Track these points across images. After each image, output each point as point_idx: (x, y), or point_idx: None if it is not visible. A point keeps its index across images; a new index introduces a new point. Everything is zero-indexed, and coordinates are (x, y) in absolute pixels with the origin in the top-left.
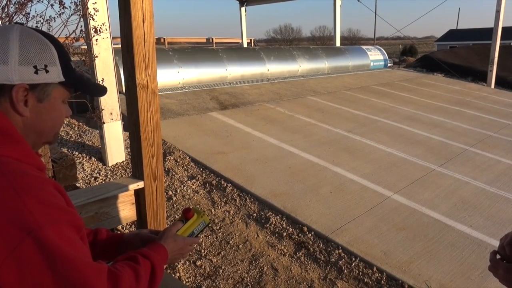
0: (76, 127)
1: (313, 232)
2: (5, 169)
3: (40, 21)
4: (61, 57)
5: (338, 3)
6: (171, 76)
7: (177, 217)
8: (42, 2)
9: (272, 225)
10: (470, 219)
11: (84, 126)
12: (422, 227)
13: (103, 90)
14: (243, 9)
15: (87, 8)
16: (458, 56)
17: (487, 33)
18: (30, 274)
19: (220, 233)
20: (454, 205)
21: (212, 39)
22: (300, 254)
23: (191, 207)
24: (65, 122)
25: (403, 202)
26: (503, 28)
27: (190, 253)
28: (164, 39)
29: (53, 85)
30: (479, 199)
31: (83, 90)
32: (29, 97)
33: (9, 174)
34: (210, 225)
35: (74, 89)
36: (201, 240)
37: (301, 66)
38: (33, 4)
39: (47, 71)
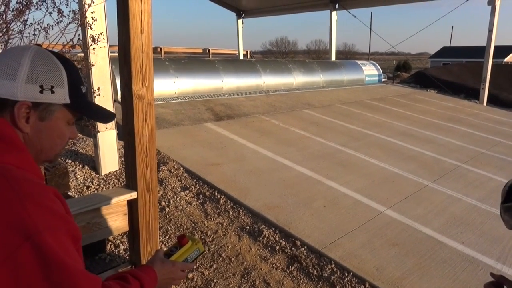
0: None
1: (306, 246)
2: (9, 175)
3: (37, 28)
4: (71, 80)
5: (334, 17)
6: (167, 86)
7: (169, 228)
8: (41, 9)
9: (265, 238)
10: (463, 236)
11: (78, 134)
12: (415, 243)
13: (110, 117)
14: (240, 21)
15: (86, 17)
16: (451, 73)
17: (479, 51)
18: (25, 279)
19: (213, 246)
20: (447, 221)
21: (209, 50)
22: (293, 268)
23: (186, 234)
24: None
25: (396, 217)
26: (495, 47)
27: (183, 279)
28: (160, 48)
29: (57, 106)
30: (471, 215)
31: (88, 115)
32: (31, 115)
33: (12, 180)
34: (204, 253)
35: (79, 113)
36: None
37: (296, 79)
38: (31, 11)
39: (52, 92)
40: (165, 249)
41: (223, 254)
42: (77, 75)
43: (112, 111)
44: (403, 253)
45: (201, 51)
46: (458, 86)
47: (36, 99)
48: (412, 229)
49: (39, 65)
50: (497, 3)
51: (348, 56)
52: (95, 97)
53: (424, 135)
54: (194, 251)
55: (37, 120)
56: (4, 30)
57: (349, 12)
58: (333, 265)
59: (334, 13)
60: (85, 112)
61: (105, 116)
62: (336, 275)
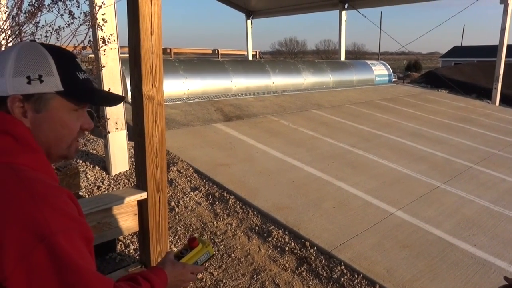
0: (83, 137)
1: (315, 247)
2: (23, 176)
3: (49, 30)
4: (62, 67)
5: (344, 17)
6: (176, 87)
7: (179, 228)
8: (52, 12)
9: (274, 239)
10: (474, 238)
11: (89, 134)
12: (426, 245)
13: (115, 100)
14: (249, 21)
15: (96, 19)
16: (462, 73)
17: (491, 51)
18: (39, 281)
19: (222, 246)
20: (458, 223)
21: (218, 51)
22: (302, 269)
23: (196, 236)
24: None
25: (407, 219)
26: (508, 46)
27: (193, 282)
28: (170, 49)
29: (50, 95)
30: (483, 218)
31: (88, 101)
32: (27, 108)
33: (26, 181)
34: (215, 256)
35: (78, 100)
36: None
37: (305, 79)
38: (43, 13)
39: (41, 81)
40: (175, 250)
41: (232, 255)
42: (70, 62)
43: (120, 94)
44: (414, 255)
45: (210, 51)
46: (470, 86)
47: (25, 91)
48: (423, 231)
49: (24, 57)
50: (510, 1)
51: (358, 56)
52: None
53: (435, 135)
54: (204, 254)
55: (34, 113)
56: (17, 32)
57: (358, 11)
58: (343, 267)
59: (343, 13)
60: (84, 98)
61: (109, 99)
62: (346, 276)
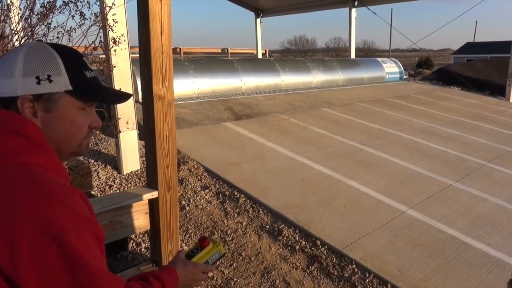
0: (92, 135)
1: (326, 246)
2: (36, 176)
3: (61, 31)
4: (70, 66)
5: (354, 15)
6: (186, 86)
7: (189, 227)
8: (64, 13)
9: (285, 238)
10: (488, 237)
11: (100, 134)
12: (438, 244)
13: (123, 97)
14: (258, 20)
15: (107, 20)
16: (475, 69)
17: (505, 46)
18: (51, 280)
19: (233, 245)
20: (472, 222)
21: (227, 50)
22: (313, 268)
23: (207, 235)
24: None
25: (419, 217)
26: None
27: (204, 281)
28: (180, 49)
29: (59, 94)
30: (497, 216)
31: (96, 99)
32: (37, 108)
33: (39, 181)
34: (225, 255)
35: (85, 98)
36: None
37: (315, 77)
38: (54, 15)
39: (50, 81)
40: (186, 249)
41: (243, 253)
42: (77, 61)
43: (128, 92)
44: (426, 254)
45: (220, 51)
46: (483, 82)
47: (35, 91)
48: (436, 230)
49: (33, 57)
50: None
51: (368, 54)
52: None
53: (448, 133)
54: (215, 253)
55: (44, 113)
56: (30, 34)
57: (368, 9)
58: (354, 266)
59: (353, 10)
60: (92, 96)
61: (117, 97)
62: (357, 275)
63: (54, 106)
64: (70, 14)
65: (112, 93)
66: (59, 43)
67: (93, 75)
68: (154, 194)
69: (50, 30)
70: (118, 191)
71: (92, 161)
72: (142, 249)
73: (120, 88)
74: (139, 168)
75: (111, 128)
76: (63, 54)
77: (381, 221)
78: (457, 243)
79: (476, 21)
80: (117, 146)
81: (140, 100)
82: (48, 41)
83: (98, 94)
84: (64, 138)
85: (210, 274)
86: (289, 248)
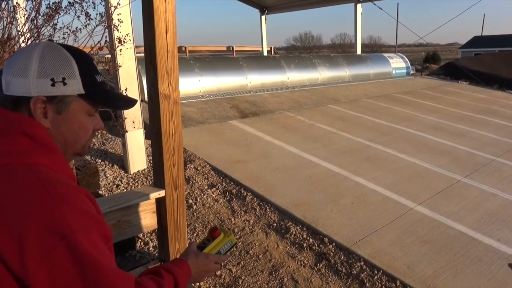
0: (99, 135)
1: (334, 244)
2: (43, 177)
3: (67, 32)
4: (83, 70)
5: (359, 10)
6: (192, 85)
7: (197, 225)
8: (69, 13)
9: (292, 236)
10: (498, 233)
11: (107, 134)
12: (447, 240)
13: (130, 103)
14: (263, 17)
15: (112, 19)
16: (483, 64)
17: None
18: (61, 279)
19: (240, 243)
20: (481, 217)
21: (233, 48)
22: (321, 265)
23: (218, 226)
24: None
25: (427, 214)
26: None
27: (217, 271)
28: (185, 47)
29: (72, 97)
30: (507, 211)
31: (106, 104)
32: (48, 109)
33: (46, 182)
34: (237, 245)
35: (96, 102)
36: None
37: (321, 74)
38: (60, 15)
39: (65, 84)
40: (197, 242)
41: (251, 251)
42: (89, 65)
43: (134, 98)
44: (435, 251)
45: (225, 48)
46: (491, 76)
47: (49, 92)
48: (445, 226)
49: (49, 58)
50: None
51: (374, 49)
52: None
53: (456, 128)
54: (227, 243)
55: (54, 114)
56: (36, 35)
57: (374, 4)
58: (362, 263)
59: (359, 5)
60: (103, 101)
61: (125, 103)
62: (365, 272)
63: (66, 109)
64: (75, 14)
65: (120, 99)
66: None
67: (102, 79)
68: (161, 193)
69: (56, 31)
70: (125, 190)
71: (99, 160)
72: (150, 248)
73: (126, 88)
74: (146, 167)
75: (117, 128)
76: (77, 57)
77: (389, 217)
78: (467, 239)
79: (484, 14)
80: (124, 145)
81: (146, 99)
82: (49, 39)
83: (107, 99)
84: (71, 139)
85: (218, 272)
86: (297, 245)
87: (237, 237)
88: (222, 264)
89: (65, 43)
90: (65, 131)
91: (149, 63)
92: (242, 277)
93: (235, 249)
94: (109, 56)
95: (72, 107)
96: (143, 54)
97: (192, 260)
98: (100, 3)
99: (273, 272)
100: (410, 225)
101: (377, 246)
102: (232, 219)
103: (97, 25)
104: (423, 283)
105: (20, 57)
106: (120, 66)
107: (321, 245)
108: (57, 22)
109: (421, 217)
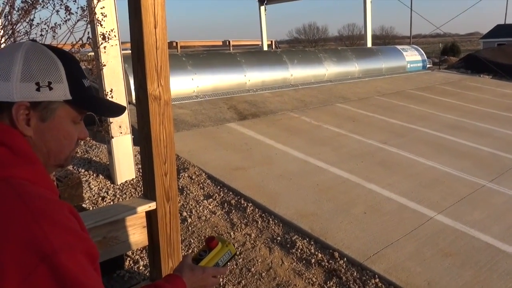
0: (82, 142)
1: (345, 258)
2: (21, 191)
3: (45, 28)
4: (71, 74)
5: None
6: (184, 84)
7: (192, 241)
8: (47, 8)
9: (299, 250)
10: None
11: (91, 140)
12: (472, 253)
13: (119, 111)
14: (262, 8)
15: (95, 14)
16: (507, 55)
17: None
18: None
19: (241, 259)
20: (509, 227)
21: (229, 42)
22: (331, 283)
23: (215, 235)
24: None
25: (449, 223)
26: None
27: (215, 285)
28: (176, 43)
29: (57, 103)
30: None
31: (94, 111)
32: (31, 116)
33: (25, 196)
34: (237, 255)
35: (83, 109)
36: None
37: (328, 69)
38: (37, 10)
39: (50, 88)
40: (193, 254)
41: (253, 269)
42: (77, 68)
43: (123, 104)
44: (459, 265)
45: (221, 43)
46: None
47: (33, 98)
48: (468, 237)
49: (34, 61)
50: None
51: (387, 41)
52: None
53: (479, 127)
54: (225, 253)
55: (38, 121)
56: (10, 32)
57: None
58: (377, 280)
59: None
60: (90, 107)
61: (113, 110)
62: None
63: (51, 116)
64: (54, 9)
65: (108, 105)
66: (43, 41)
67: (89, 84)
68: (152, 205)
69: (32, 28)
70: (112, 203)
71: (83, 170)
72: (140, 267)
73: (112, 89)
74: (134, 177)
75: (102, 134)
76: (63, 59)
77: (406, 228)
78: (493, 251)
79: (507, 0)
80: (110, 153)
81: (134, 101)
82: (32, 39)
83: (96, 106)
84: (55, 149)
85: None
86: (304, 261)
87: (237, 252)
88: (221, 278)
89: (43, 40)
90: (49, 140)
91: (136, 61)
92: None
93: (234, 262)
94: (92, 54)
95: (58, 114)
96: (130, 52)
97: (187, 275)
98: None
99: None
100: (430, 237)
101: (393, 261)
102: (232, 233)
103: (78, 20)
104: None
105: (1, 59)
106: (104, 65)
107: (331, 261)
108: (34, 17)
109: (442, 227)
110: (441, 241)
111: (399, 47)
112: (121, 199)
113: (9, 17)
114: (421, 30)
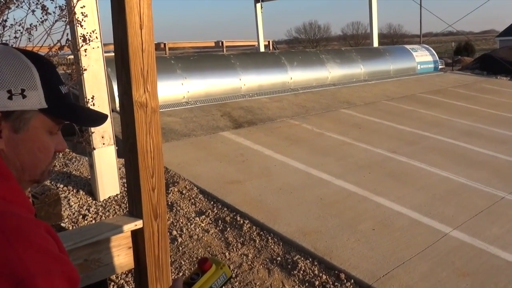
0: (61, 154)
1: (352, 280)
2: None
3: (19, 30)
4: (46, 80)
5: None
6: (174, 89)
7: (183, 262)
8: (22, 7)
9: (301, 272)
10: None
11: (70, 152)
12: (491, 272)
13: (100, 119)
14: (258, 5)
15: (74, 13)
16: None
17: None
18: None
19: (237, 283)
20: None
21: (222, 43)
22: None
23: (208, 256)
24: None
25: (466, 240)
26: None
27: None
28: (164, 44)
29: (32, 112)
30: None
31: (73, 120)
32: (3, 127)
33: None
34: (232, 278)
35: (61, 118)
36: None
37: (331, 72)
38: (11, 10)
39: (24, 96)
40: (184, 277)
41: None
42: (53, 73)
43: (104, 112)
44: (477, 285)
45: (213, 44)
46: None
47: (5, 107)
48: (487, 255)
49: (5, 65)
50: None
51: (395, 40)
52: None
53: (496, 134)
54: (220, 276)
55: (11, 133)
56: None
57: None
58: None
59: None
60: (68, 116)
61: (94, 119)
62: None
63: (24, 126)
64: (29, 8)
65: (88, 114)
66: (18, 44)
67: (66, 91)
68: (138, 224)
69: (6, 29)
70: (94, 221)
71: (62, 186)
72: None
73: (93, 96)
74: (119, 193)
75: (83, 145)
76: (38, 64)
77: (419, 246)
78: None
79: None
80: (91, 166)
81: (118, 109)
82: (11, 45)
83: (74, 115)
84: (29, 163)
85: None
86: (307, 284)
87: (233, 274)
88: None
89: (18, 43)
90: (23, 153)
91: (120, 65)
92: None
93: (230, 286)
94: (72, 57)
95: (32, 124)
96: (113, 54)
97: None
98: None
99: None
100: (445, 255)
101: (405, 282)
102: (227, 254)
103: (56, 21)
104: None
105: None
106: (85, 69)
107: (336, 283)
108: (7, 18)
109: (459, 244)
110: (457, 260)
111: (408, 46)
112: (104, 217)
113: None
114: (432, 28)
